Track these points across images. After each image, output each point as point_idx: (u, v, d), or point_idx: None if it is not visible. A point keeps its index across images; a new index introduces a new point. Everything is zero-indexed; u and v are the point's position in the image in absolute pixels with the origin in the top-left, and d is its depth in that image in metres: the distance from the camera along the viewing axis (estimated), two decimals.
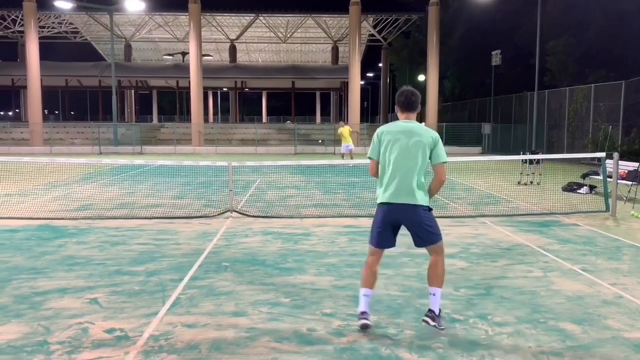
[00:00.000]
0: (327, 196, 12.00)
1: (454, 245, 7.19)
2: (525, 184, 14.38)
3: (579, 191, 12.68)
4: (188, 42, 35.00)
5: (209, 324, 4.34)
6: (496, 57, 31.91)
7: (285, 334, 4.12)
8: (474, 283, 5.47)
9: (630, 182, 11.10)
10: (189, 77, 33.45)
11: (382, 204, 4.20)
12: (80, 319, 4.43)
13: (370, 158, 4.33)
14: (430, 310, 4.16)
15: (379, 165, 4.28)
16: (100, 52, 51.47)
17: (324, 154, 29.71)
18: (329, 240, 7.45)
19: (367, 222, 8.63)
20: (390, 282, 5.45)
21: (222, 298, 4.97)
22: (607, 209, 9.64)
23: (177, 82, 45.40)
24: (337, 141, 32.80)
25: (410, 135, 4.15)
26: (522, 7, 31.87)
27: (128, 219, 9.09)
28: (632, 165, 11.70)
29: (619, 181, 10.38)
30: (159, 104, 62.80)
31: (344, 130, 20.77)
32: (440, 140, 4.26)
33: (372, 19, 42.80)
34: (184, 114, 50.79)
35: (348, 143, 20.43)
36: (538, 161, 15.01)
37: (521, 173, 15.04)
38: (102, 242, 7.31)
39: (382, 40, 47.22)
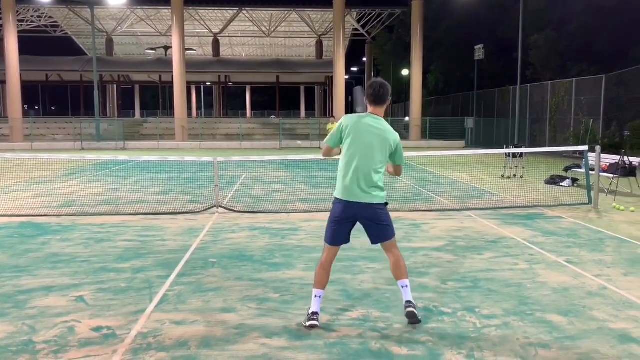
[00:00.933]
0: (313, 191, 11.99)
1: (440, 238, 7.23)
2: (509, 177, 14.52)
3: (561, 184, 12.84)
4: (171, 36, 34.63)
5: (198, 320, 4.31)
6: (479, 52, 32.09)
7: (275, 330, 4.11)
8: (461, 276, 5.51)
9: (612, 175, 11.26)
10: (172, 72, 33.14)
11: (339, 200, 4.18)
12: (66, 318, 4.37)
13: (326, 143, 4.29)
14: (408, 301, 4.19)
15: (341, 156, 4.22)
16: (81, 46, 50.74)
17: (310, 149, 29.66)
18: (316, 235, 7.43)
19: None
20: (378, 276, 5.46)
21: (210, 294, 4.94)
22: (590, 202, 9.77)
23: (160, 76, 44.99)
24: (323, 135, 32.80)
25: (374, 133, 4.13)
26: (505, 1, 32.08)
27: (113, 215, 9.00)
28: (613, 158, 11.87)
29: (601, 174, 10.52)
30: (141, 99, 62.21)
31: (333, 127, 20.71)
32: (400, 144, 4.29)
33: (355, 13, 42.77)
34: (167, 109, 50.37)
35: None
36: (521, 154, 15.16)
37: (505, 166, 15.17)
38: (87, 239, 7.22)
39: (366, 35, 47.25)
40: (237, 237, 7.33)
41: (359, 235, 7.26)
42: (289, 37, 50.05)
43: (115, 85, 49.63)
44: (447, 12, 39.10)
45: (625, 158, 11.27)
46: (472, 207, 9.78)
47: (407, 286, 4.23)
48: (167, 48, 44.61)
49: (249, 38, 50.68)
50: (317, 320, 4.16)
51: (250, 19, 43.37)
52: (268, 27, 45.56)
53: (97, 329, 4.15)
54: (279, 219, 8.69)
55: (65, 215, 8.95)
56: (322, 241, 6.97)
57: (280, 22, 43.89)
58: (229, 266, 5.89)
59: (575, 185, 12.64)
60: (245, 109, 65.91)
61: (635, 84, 21.26)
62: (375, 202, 4.13)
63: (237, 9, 41.08)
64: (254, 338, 3.96)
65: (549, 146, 23.90)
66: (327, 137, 4.31)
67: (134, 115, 57.16)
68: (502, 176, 14.70)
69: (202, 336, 4.00)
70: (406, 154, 4.62)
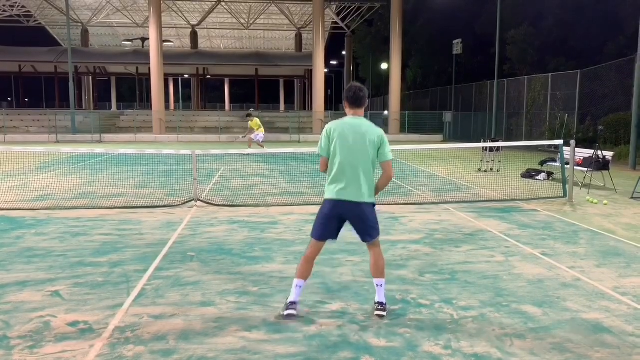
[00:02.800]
0: (292, 184, 11.98)
1: (418, 231, 7.30)
2: (486, 171, 14.69)
3: (537, 178, 13.04)
4: (148, 27, 34.15)
5: (176, 314, 4.29)
6: (457, 46, 32.31)
7: (253, 323, 4.12)
8: (438, 268, 5.58)
9: (586, 169, 11.47)
10: (149, 64, 32.70)
11: (330, 200, 4.22)
12: (42, 312, 4.31)
13: (320, 156, 4.31)
14: (379, 303, 4.26)
15: (328, 161, 4.27)
16: (55, 37, 49.77)
17: (289, 142, 29.60)
18: (295, 228, 7.45)
19: None
20: (357, 269, 5.50)
21: (189, 288, 4.92)
22: (565, 195, 9.95)
23: (137, 68, 44.33)
24: (302, 129, 32.75)
25: (358, 133, 4.18)
26: None
27: (89, 209, 8.87)
28: (587, 153, 12.09)
29: (575, 168, 10.72)
30: (117, 91, 61.33)
31: (253, 123, 20.64)
32: (385, 138, 4.31)
33: (335, 6, 42.69)
34: (145, 101, 49.74)
35: None
36: (498, 149, 15.34)
37: (481, 160, 15.35)
38: (63, 233, 7.11)
39: (346, 29, 47.24)
40: (216, 231, 7.29)
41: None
42: (268, 30, 49.79)
43: (90, 77, 48.76)
44: (426, 6, 39.31)
45: (599, 152, 11.48)
46: (450, 200, 9.88)
47: (381, 285, 4.29)
48: (144, 39, 43.96)
49: (227, 30, 50.27)
50: (296, 310, 4.20)
51: (229, 10, 43.00)
52: (247, 20, 45.23)
53: (74, 323, 4.10)
54: (258, 212, 8.67)
55: (40, 209, 8.79)
56: (301, 234, 7.04)
57: (260, 14, 43.62)
58: (208, 260, 5.87)
59: (551, 178, 12.86)
60: (224, 102, 65.42)
61: (609, 80, 21.67)
62: (363, 201, 4.17)
63: (216, 0, 40.67)
64: (233, 331, 3.96)
65: (525, 140, 24.24)
66: (318, 149, 4.31)
67: (110, 108, 56.34)
68: (479, 170, 14.88)
69: (181, 330, 3.98)
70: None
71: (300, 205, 9.29)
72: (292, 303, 4.23)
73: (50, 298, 4.66)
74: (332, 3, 41.01)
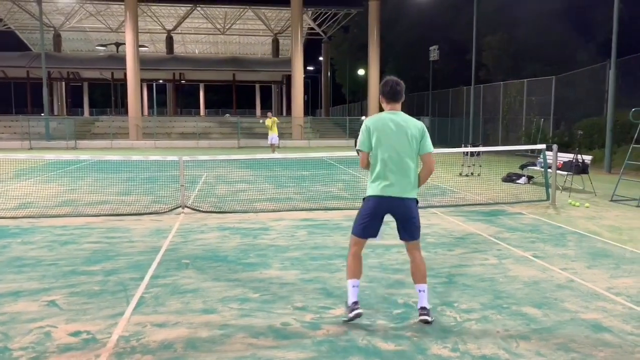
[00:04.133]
0: (279, 190, 11.96)
1: None
2: (467, 175, 14.90)
3: (517, 181, 13.28)
4: (121, 32, 33.81)
5: (180, 322, 4.24)
6: (434, 52, 32.74)
7: (260, 330, 4.10)
8: (435, 272, 5.63)
9: (566, 172, 11.73)
10: (124, 69, 32.31)
11: (374, 196, 4.20)
12: (41, 323, 4.22)
13: (360, 150, 4.28)
14: (423, 308, 4.21)
15: (371, 159, 4.25)
16: (25, 41, 48.72)
17: (268, 148, 29.47)
18: (288, 234, 7.43)
19: (323, 215, 8.75)
20: None
21: (189, 296, 4.87)
22: (548, 198, 10.15)
23: (112, 73, 43.70)
24: (281, 134, 32.60)
25: (399, 127, 4.16)
26: (458, 3, 32.87)
27: (74, 216, 8.71)
28: (567, 157, 12.36)
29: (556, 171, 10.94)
30: (90, 96, 60.32)
31: (270, 122, 21.26)
32: (426, 130, 4.30)
33: (311, 12, 42.83)
34: (119, 107, 49.06)
35: None
36: (478, 153, 15.58)
37: (462, 165, 15.55)
38: (50, 241, 6.97)
39: (323, 34, 47.43)
40: (207, 238, 7.23)
41: (331, 234, 7.34)
42: (244, 35, 49.63)
43: (63, 83, 47.88)
44: (402, 13, 39.74)
45: (579, 156, 11.76)
46: (436, 204, 9.99)
47: (424, 291, 4.24)
48: (118, 44, 43.43)
49: (202, 35, 49.96)
50: (360, 309, 4.17)
51: (205, 15, 42.77)
52: (223, 25, 45.04)
53: (76, 333, 4.02)
54: (247, 218, 8.63)
55: (23, 217, 8.60)
56: (294, 240, 7.04)
57: (236, 19, 43.47)
58: (204, 267, 5.82)
59: (531, 182, 13.11)
60: (199, 108, 64.88)
61: (582, 86, 22.23)
62: (407, 197, 4.17)
63: (192, 5, 40.43)
64: (240, 338, 3.93)
65: (501, 145, 24.65)
66: (358, 144, 4.28)
67: (82, 114, 55.38)
68: (460, 174, 15.08)
69: (187, 338, 3.94)
70: None
71: (289, 211, 9.28)
72: (355, 302, 4.19)
73: (48, 308, 4.56)
74: (309, 9, 41.14)
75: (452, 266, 5.85)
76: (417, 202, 4.29)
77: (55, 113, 46.22)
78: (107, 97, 62.44)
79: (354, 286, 4.25)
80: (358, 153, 4.37)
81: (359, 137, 4.30)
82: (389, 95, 4.27)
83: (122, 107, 47.09)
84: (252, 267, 5.79)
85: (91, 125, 35.89)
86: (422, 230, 7.64)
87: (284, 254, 6.33)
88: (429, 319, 4.18)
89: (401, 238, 4.34)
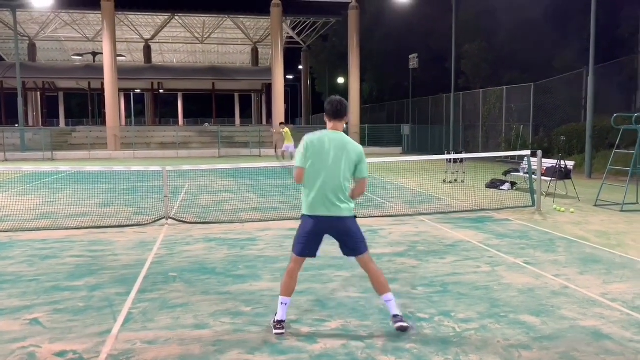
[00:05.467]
0: (263, 199, 11.80)
1: (400, 244, 7.29)
2: (451, 182, 14.93)
3: (501, 188, 13.34)
4: (98, 41, 33.34)
5: (171, 338, 4.08)
6: (414, 60, 32.94)
7: (255, 345, 3.96)
8: (429, 281, 5.55)
9: (549, 178, 11.81)
10: (102, 78, 31.79)
11: (310, 216, 4.17)
12: (24, 343, 4.02)
13: (297, 167, 4.23)
14: (395, 316, 4.19)
15: (306, 174, 4.20)
16: None
17: (249, 157, 29.30)
18: (276, 244, 7.30)
19: None
20: (349, 284, 5.41)
21: (178, 310, 4.70)
22: (533, 204, 10.19)
23: (89, 83, 43.02)
24: (262, 143, 32.47)
25: (337, 148, 4.17)
26: (437, 12, 33.17)
27: (53, 230, 8.44)
28: (550, 162, 12.45)
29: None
30: (66, 106, 59.34)
31: (286, 130, 21.83)
32: (364, 155, 4.31)
33: (290, 21, 42.83)
34: (97, 117, 48.32)
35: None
36: (462, 160, 15.63)
37: (446, 172, 15.59)
38: (30, 256, 6.72)
39: (302, 43, 47.45)
40: (193, 250, 7.06)
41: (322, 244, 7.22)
42: (222, 44, 49.38)
43: (39, 93, 46.99)
44: (381, 22, 39.95)
45: (562, 162, 11.85)
46: (423, 211, 9.95)
47: (391, 300, 4.23)
48: (95, 54, 42.80)
49: (181, 44, 49.57)
50: (284, 329, 4.14)
51: (183, 24, 42.46)
52: (201, 34, 44.76)
53: (61, 353, 3.83)
54: (233, 229, 8.46)
55: (0, 231, 8.30)
56: (283, 250, 6.90)
57: (214, 28, 43.24)
58: (192, 280, 5.65)
59: (515, 188, 13.17)
60: (177, 117, 64.22)
61: (560, 92, 22.55)
62: (344, 215, 4.15)
63: (170, 14, 40.10)
64: (235, 354, 3.79)
65: (482, 151, 24.83)
66: (295, 160, 4.25)
67: (58, 124, 54.36)
68: (444, 181, 15.10)
69: (179, 355, 3.78)
70: None
71: (276, 220, 9.14)
72: (281, 322, 4.15)
73: (30, 327, 4.35)
74: (288, 18, 41.12)
75: (445, 274, 5.78)
76: (354, 217, 4.25)
77: (31, 124, 45.32)
78: (83, 107, 61.60)
79: (282, 303, 4.21)
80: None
81: (297, 152, 4.25)
82: (332, 113, 4.30)
83: (99, 117, 46.36)
84: (241, 279, 5.64)
85: (68, 136, 35.22)
86: (412, 238, 7.65)
87: (274, 265, 6.19)
88: (405, 324, 4.14)
89: (345, 254, 4.31)
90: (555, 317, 4.47)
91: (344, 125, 4.36)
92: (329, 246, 6.95)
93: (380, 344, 3.95)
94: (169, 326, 4.33)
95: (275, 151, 24.04)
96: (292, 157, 20.49)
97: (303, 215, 4.25)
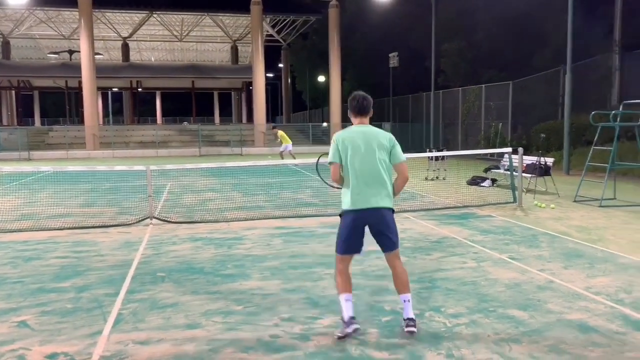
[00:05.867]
0: (248, 198, 11.78)
1: None
2: (433, 179, 15.07)
3: (482, 184, 13.51)
4: (74, 39, 32.79)
5: (164, 339, 4.06)
6: (394, 59, 33.14)
7: (248, 343, 3.96)
8: (417, 277, 5.61)
9: (530, 175, 12.00)
10: (79, 77, 31.35)
11: (350, 211, 4.13)
12: (13, 346, 3.96)
13: (331, 163, 4.21)
14: (410, 319, 4.12)
15: (343, 172, 4.19)
16: None
17: (231, 155, 29.17)
18: (263, 243, 7.30)
19: (297, 223, 8.65)
20: None
21: (169, 310, 4.68)
22: (515, 200, 10.35)
23: (66, 82, 42.34)
24: (244, 141, 32.36)
25: (369, 139, 4.16)
26: (416, 11, 33.40)
27: (36, 230, 8.32)
28: (530, 159, 12.64)
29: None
30: (41, 105, 58.30)
31: (281, 133, 22.09)
32: (396, 140, 4.31)
33: (269, 19, 42.70)
34: (74, 116, 47.60)
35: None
36: (443, 157, 15.79)
37: (428, 169, 15.73)
38: (13, 257, 6.62)
39: (282, 41, 47.35)
40: (180, 249, 7.02)
41: (307, 242, 7.24)
42: (202, 42, 49.02)
43: (13, 92, 46.08)
44: (361, 20, 40.09)
45: (542, 159, 12.05)
46: (408, 208, 10.03)
47: (408, 301, 4.17)
48: (71, 52, 42.14)
49: (159, 42, 49.06)
50: (357, 323, 4.07)
51: (162, 22, 42.04)
52: (180, 32, 44.37)
53: (52, 355, 3.79)
54: (219, 228, 8.44)
55: None
56: (271, 249, 6.92)
57: (193, 26, 42.90)
58: (181, 280, 5.62)
59: (495, 185, 13.36)
60: (155, 116, 63.55)
61: (537, 90, 22.92)
62: (382, 206, 4.12)
63: (148, 12, 39.65)
64: (229, 354, 3.80)
65: (461, 149, 25.10)
66: (329, 156, 4.22)
67: (33, 124, 53.40)
68: (426, 178, 15.23)
69: (174, 355, 3.77)
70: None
71: (261, 219, 9.13)
72: (352, 317, 4.06)
73: (18, 329, 4.29)
74: (267, 16, 40.99)
75: (432, 270, 5.85)
76: (393, 211, 4.25)
77: (5, 123, 44.47)
78: (59, 106, 60.63)
79: (347, 300, 4.15)
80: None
81: (330, 150, 4.25)
82: (357, 109, 4.29)
83: (76, 116, 45.69)
84: (231, 279, 5.63)
85: (45, 136, 34.66)
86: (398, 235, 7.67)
87: (263, 264, 6.19)
88: (415, 330, 4.11)
89: (384, 250, 4.27)
90: (542, 311, 4.56)
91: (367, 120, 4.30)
92: (316, 244, 6.98)
93: (374, 341, 3.99)
94: (160, 326, 4.31)
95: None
96: (292, 156, 20.62)
97: (343, 212, 4.18)
